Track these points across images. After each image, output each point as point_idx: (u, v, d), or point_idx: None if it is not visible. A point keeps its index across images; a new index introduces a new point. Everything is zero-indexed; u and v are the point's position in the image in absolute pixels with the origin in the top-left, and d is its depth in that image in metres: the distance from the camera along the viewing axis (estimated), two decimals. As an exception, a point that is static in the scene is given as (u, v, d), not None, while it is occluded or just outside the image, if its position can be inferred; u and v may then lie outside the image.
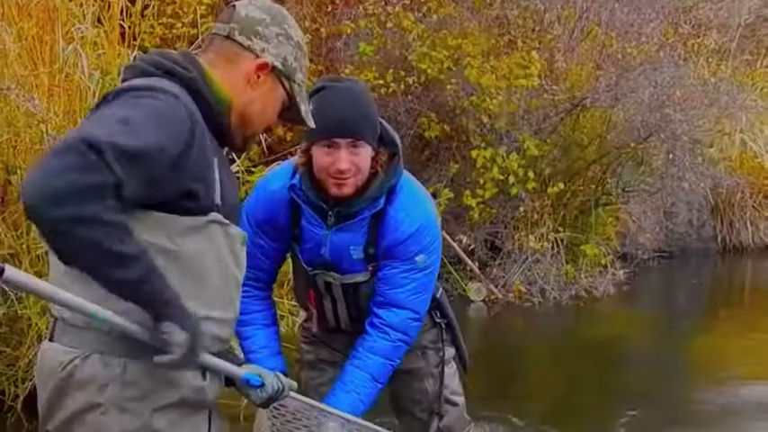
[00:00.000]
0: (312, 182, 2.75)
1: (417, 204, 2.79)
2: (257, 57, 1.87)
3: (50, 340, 1.81)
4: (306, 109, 1.99)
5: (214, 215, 1.78)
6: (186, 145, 1.66)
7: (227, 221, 1.82)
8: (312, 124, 2.04)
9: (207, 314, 1.78)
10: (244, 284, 2.17)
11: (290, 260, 2.95)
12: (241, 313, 2.38)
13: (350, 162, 2.65)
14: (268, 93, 1.91)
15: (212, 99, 1.81)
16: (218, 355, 1.94)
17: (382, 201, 2.73)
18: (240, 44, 1.86)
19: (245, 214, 2.83)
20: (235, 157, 5.54)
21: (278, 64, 1.89)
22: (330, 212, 2.75)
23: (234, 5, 1.92)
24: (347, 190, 2.69)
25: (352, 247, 2.77)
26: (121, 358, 1.72)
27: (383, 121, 2.75)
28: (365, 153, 2.67)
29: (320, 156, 2.69)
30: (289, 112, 1.97)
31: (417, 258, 2.75)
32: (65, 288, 1.64)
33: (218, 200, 1.79)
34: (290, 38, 1.92)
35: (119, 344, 1.72)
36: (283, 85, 1.92)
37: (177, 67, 1.79)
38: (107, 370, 1.72)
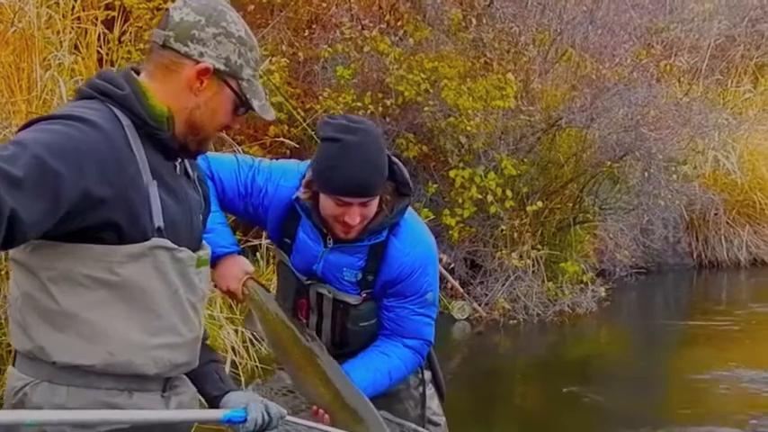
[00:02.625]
0: (317, 212, 2.74)
1: (422, 240, 2.80)
2: (197, 62, 1.78)
3: (12, 365, 1.82)
4: (261, 104, 1.86)
5: (156, 241, 1.73)
6: (98, 174, 1.62)
7: (173, 246, 1.76)
8: (270, 116, 1.92)
9: (160, 341, 1.77)
10: None
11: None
12: None
13: (360, 215, 2.65)
14: (214, 97, 1.82)
15: (147, 114, 1.75)
16: (198, 377, 1.97)
17: (384, 234, 2.73)
18: (177, 51, 1.78)
19: (270, 169, 2.81)
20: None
21: (220, 66, 1.80)
22: (329, 237, 2.76)
23: (168, 10, 1.84)
24: (353, 235, 2.70)
25: (345, 269, 2.77)
26: (68, 387, 1.73)
27: (396, 161, 2.72)
28: (374, 204, 2.67)
29: (329, 205, 2.65)
30: (243, 108, 1.87)
31: (427, 296, 2.78)
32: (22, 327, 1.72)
33: (158, 223, 1.74)
34: (230, 35, 1.82)
35: (63, 373, 1.72)
36: (230, 85, 1.83)
37: (110, 86, 1.76)
38: (54, 398, 1.73)
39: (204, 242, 1.95)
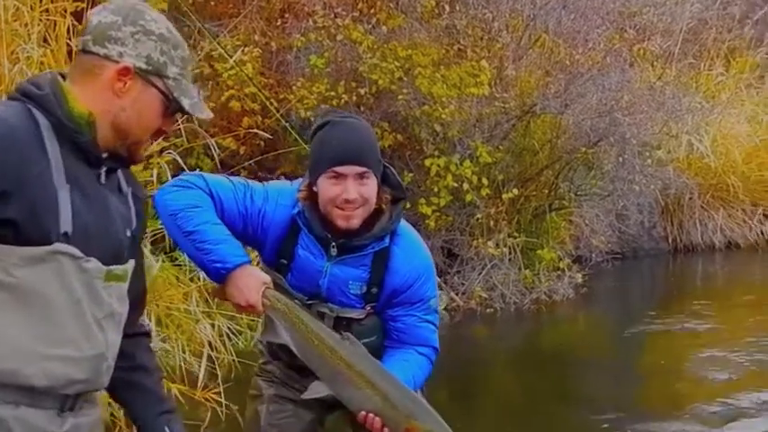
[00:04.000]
0: (317, 215, 2.72)
1: (420, 249, 2.83)
2: (117, 62, 1.73)
3: None
4: (192, 102, 1.80)
5: (59, 246, 1.67)
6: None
7: (79, 254, 1.69)
8: (204, 114, 1.88)
9: (55, 352, 1.69)
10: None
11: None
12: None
13: (357, 192, 2.63)
14: (139, 97, 1.76)
15: (65, 116, 1.71)
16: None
17: (387, 239, 2.73)
18: (97, 54, 1.74)
19: (265, 189, 2.80)
20: (186, 171, 5.50)
21: (141, 64, 1.75)
22: (334, 243, 2.72)
23: (88, 15, 1.81)
24: (355, 222, 2.67)
25: (351, 282, 2.75)
26: None
27: (389, 166, 2.78)
28: (372, 184, 2.67)
29: (326, 187, 2.66)
30: (173, 108, 1.80)
31: (430, 303, 2.79)
32: None
33: (65, 229, 1.67)
34: (150, 32, 1.77)
35: None
36: (155, 85, 1.77)
37: (31, 87, 1.72)
38: None
39: (128, 259, 1.85)
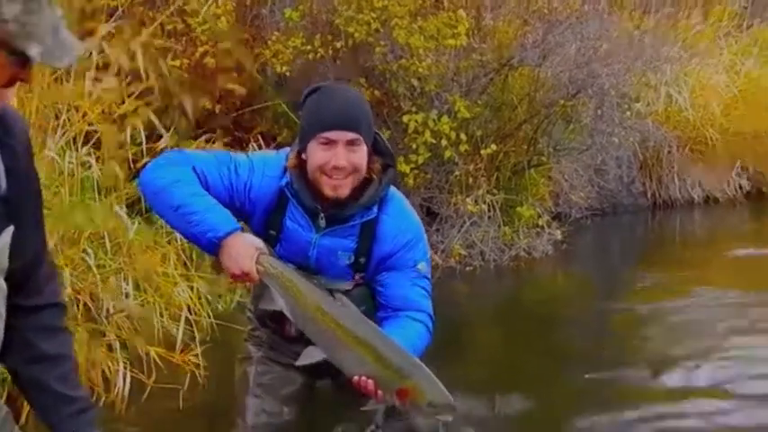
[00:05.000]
0: (305, 183, 2.66)
1: (409, 215, 2.84)
2: None
3: None
4: (43, 49, 1.50)
5: None
6: None
7: None
8: (62, 62, 1.62)
9: None
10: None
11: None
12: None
13: (347, 160, 2.59)
14: None
15: None
16: None
17: (375, 209, 2.69)
18: None
19: (250, 160, 2.73)
20: (162, 132, 5.39)
21: None
22: (322, 215, 2.67)
23: None
24: (343, 191, 2.63)
25: (340, 252, 2.73)
26: None
27: (378, 132, 2.75)
28: (362, 152, 2.63)
29: (316, 153, 2.61)
30: (16, 57, 1.52)
31: (419, 266, 2.75)
32: None
33: None
34: None
35: None
36: None
37: None
38: None
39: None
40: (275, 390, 3.06)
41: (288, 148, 2.84)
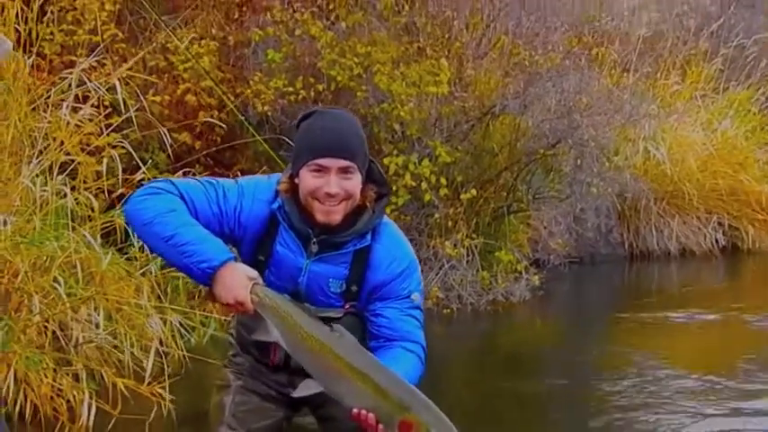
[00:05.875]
0: (297, 208, 2.62)
1: (403, 244, 2.74)
2: None
3: None
4: None
5: None
6: None
7: None
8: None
9: None
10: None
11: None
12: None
13: (340, 186, 2.53)
14: None
15: None
16: None
17: (369, 237, 2.64)
18: None
19: (239, 184, 2.69)
20: (140, 164, 5.37)
21: None
22: (314, 240, 2.62)
23: None
24: (335, 217, 2.57)
25: (331, 280, 2.65)
26: None
27: (374, 161, 2.68)
28: (356, 179, 2.56)
29: (308, 179, 2.55)
30: None
31: (413, 297, 2.68)
32: None
33: None
34: None
35: None
36: None
37: None
38: None
39: None
40: (250, 422, 2.95)
41: (279, 174, 2.80)
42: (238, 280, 2.51)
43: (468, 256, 7.16)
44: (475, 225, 7.40)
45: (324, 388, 2.54)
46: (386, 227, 2.74)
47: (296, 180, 2.63)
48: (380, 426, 2.43)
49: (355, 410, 2.46)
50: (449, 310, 6.82)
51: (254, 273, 2.57)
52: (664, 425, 4.46)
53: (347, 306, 2.70)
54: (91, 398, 4.02)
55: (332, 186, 2.53)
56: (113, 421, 3.95)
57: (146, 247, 3.29)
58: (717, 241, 9.89)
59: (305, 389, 2.59)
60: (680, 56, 11.40)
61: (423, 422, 2.41)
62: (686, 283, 9.08)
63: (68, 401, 4.04)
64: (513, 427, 4.40)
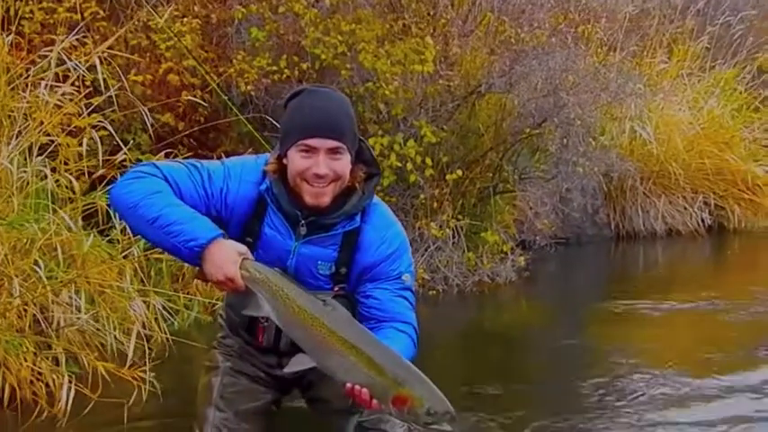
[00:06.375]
0: (286, 189, 2.58)
1: (392, 224, 2.74)
2: None
3: None
4: None
5: None
6: None
7: None
8: None
9: None
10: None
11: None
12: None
13: (329, 167, 2.50)
14: None
15: None
16: None
17: (358, 219, 2.61)
18: None
19: (225, 166, 2.65)
20: (121, 145, 5.29)
21: None
22: (303, 222, 2.58)
23: None
24: (324, 199, 2.54)
25: (320, 262, 2.63)
26: None
27: (363, 140, 2.67)
28: (345, 160, 2.54)
29: (297, 159, 2.53)
30: None
31: (403, 278, 2.66)
32: None
33: None
34: None
35: None
36: None
37: None
38: None
39: None
40: (238, 404, 2.94)
41: (267, 154, 2.75)
42: (227, 255, 2.49)
43: (453, 237, 7.13)
44: (461, 206, 7.36)
45: (316, 363, 2.51)
46: (376, 207, 2.71)
47: (284, 161, 2.60)
48: (374, 401, 2.41)
49: (348, 386, 2.44)
50: (434, 292, 6.80)
51: (243, 248, 2.54)
52: (647, 406, 4.44)
53: (336, 288, 2.68)
54: (70, 381, 3.96)
55: (321, 167, 2.51)
56: (92, 404, 3.90)
57: (133, 231, 3.22)
58: (703, 221, 9.92)
59: (297, 364, 2.57)
60: (666, 34, 11.39)
61: (417, 396, 2.40)
62: (672, 264, 9.10)
63: (47, 385, 3.99)
64: (496, 406, 4.38)
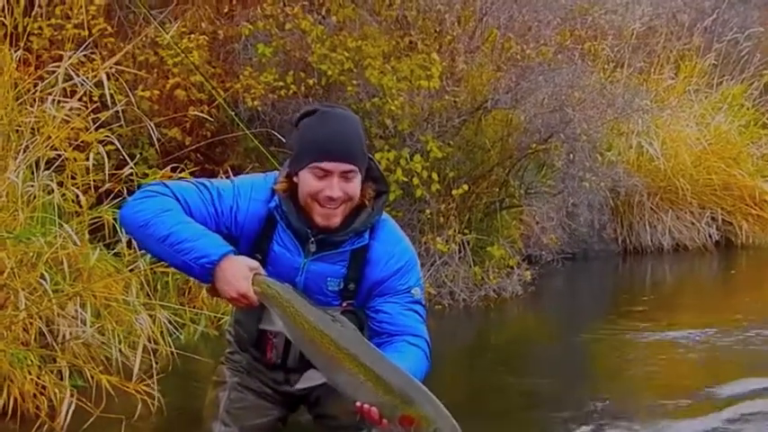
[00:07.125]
0: (295, 207, 2.59)
1: (400, 240, 2.75)
2: None
3: None
4: None
5: None
6: None
7: None
8: None
9: None
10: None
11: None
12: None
13: (341, 190, 2.51)
14: None
15: None
16: None
17: (367, 235, 2.62)
18: None
19: (234, 184, 2.66)
20: (128, 159, 5.32)
21: None
22: (312, 239, 2.59)
23: None
24: (335, 220, 2.56)
25: (329, 279, 2.64)
26: None
27: (372, 158, 2.69)
28: (357, 181, 2.56)
29: (310, 181, 2.54)
30: None
31: (413, 292, 2.66)
32: None
33: None
34: None
35: None
36: None
37: None
38: None
39: None
40: (244, 419, 2.94)
41: (275, 173, 2.76)
42: (239, 271, 2.49)
43: (459, 251, 7.12)
44: (467, 221, 7.36)
45: (327, 379, 2.52)
46: (384, 223, 2.72)
47: (294, 179, 2.60)
48: (384, 420, 2.40)
49: (358, 403, 2.43)
50: (441, 307, 6.79)
51: (254, 263, 2.55)
52: (655, 422, 4.42)
53: (344, 304, 2.68)
54: (72, 395, 3.97)
55: (334, 190, 2.52)
56: (93, 419, 3.89)
57: (144, 250, 3.24)
58: (710, 236, 9.90)
59: (307, 380, 2.57)
60: (673, 51, 11.39)
61: (425, 416, 2.38)
62: (679, 281, 9.06)
63: (50, 399, 4.00)
64: (502, 422, 4.37)
